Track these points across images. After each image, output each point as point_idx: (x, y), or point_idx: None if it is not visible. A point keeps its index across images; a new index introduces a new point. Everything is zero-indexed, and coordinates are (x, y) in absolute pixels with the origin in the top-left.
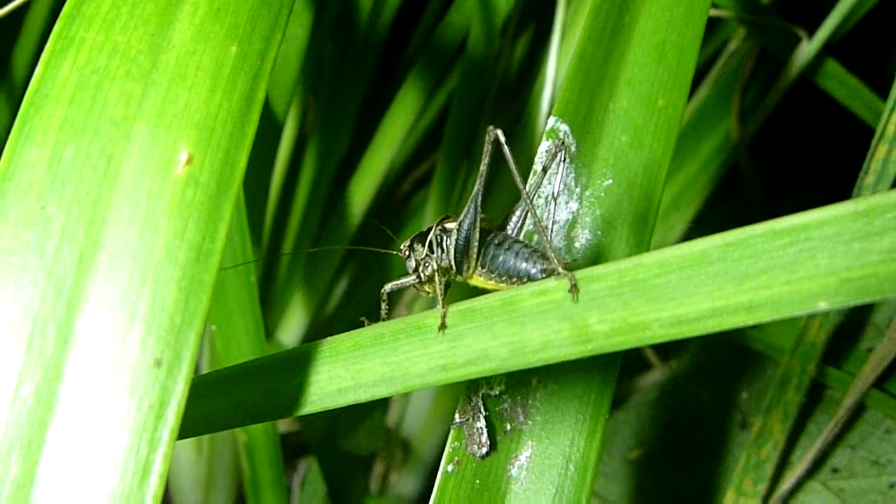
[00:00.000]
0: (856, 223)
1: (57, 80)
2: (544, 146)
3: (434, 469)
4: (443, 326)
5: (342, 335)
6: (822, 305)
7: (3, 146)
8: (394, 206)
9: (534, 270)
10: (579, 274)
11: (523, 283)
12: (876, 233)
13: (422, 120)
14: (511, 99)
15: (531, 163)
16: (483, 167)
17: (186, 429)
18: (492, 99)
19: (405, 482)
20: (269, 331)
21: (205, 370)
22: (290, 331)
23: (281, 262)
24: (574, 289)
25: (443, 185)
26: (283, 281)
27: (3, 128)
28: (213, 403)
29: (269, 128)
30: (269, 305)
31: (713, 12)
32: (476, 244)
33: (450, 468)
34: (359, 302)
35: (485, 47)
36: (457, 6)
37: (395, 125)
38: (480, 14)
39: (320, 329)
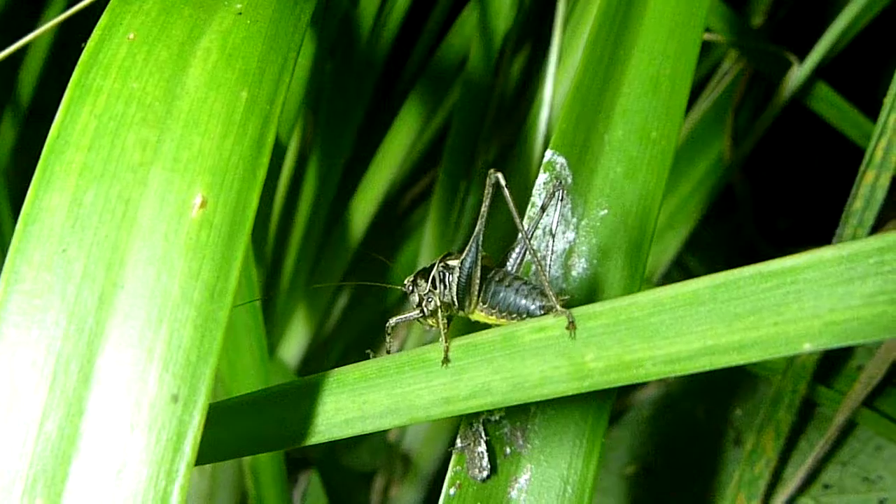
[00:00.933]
0: (839, 267)
1: (76, 126)
2: (541, 178)
3: (434, 483)
4: (446, 360)
5: (348, 367)
6: (807, 347)
7: (6, 165)
8: (394, 223)
9: (533, 307)
10: (576, 311)
11: (523, 319)
12: (859, 277)
13: (421, 138)
14: (509, 118)
15: (529, 184)
16: (484, 209)
17: (198, 457)
18: (490, 118)
19: (406, 496)
20: (272, 347)
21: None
22: (293, 347)
23: (282, 278)
24: (571, 326)
25: (442, 202)
26: (284, 300)
27: (7, 147)
28: (221, 432)
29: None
30: (272, 324)
31: (705, 36)
32: (477, 281)
33: (452, 491)
34: (357, 318)
35: (483, 68)
36: (456, 27)
37: (396, 144)
38: (479, 35)
39: (322, 345)
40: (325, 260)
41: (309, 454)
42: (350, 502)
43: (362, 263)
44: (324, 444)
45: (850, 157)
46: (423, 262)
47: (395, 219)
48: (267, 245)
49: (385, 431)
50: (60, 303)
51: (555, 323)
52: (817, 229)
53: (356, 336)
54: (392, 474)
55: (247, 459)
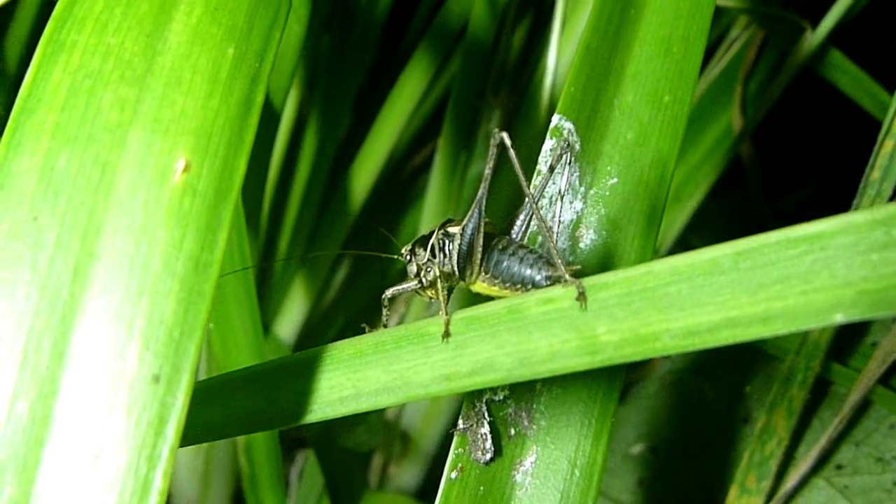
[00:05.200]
0: (874, 233)
1: (48, 85)
2: (548, 145)
3: (434, 462)
4: (446, 334)
5: (343, 342)
6: (839, 318)
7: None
8: (395, 193)
9: (538, 277)
10: (587, 281)
11: (528, 291)
12: (894, 243)
13: (422, 107)
14: (512, 86)
15: (533, 152)
16: (488, 171)
17: (185, 437)
18: (492, 85)
19: (404, 475)
20: (267, 323)
21: (203, 367)
22: (289, 323)
23: (278, 249)
24: (582, 297)
25: (443, 172)
26: (280, 272)
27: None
28: (211, 411)
29: (265, 117)
30: (267, 298)
31: (717, 2)
32: (480, 249)
33: (453, 475)
34: (357, 292)
35: (485, 32)
36: None
37: (396, 111)
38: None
39: (319, 320)
40: (323, 230)
41: (305, 433)
42: (348, 482)
43: (361, 235)
44: (320, 422)
45: (862, 127)
46: (423, 232)
47: (397, 188)
48: (262, 215)
49: (383, 409)
50: (31, 274)
51: (563, 294)
52: (829, 200)
53: (356, 310)
54: (390, 453)
55: (241, 438)
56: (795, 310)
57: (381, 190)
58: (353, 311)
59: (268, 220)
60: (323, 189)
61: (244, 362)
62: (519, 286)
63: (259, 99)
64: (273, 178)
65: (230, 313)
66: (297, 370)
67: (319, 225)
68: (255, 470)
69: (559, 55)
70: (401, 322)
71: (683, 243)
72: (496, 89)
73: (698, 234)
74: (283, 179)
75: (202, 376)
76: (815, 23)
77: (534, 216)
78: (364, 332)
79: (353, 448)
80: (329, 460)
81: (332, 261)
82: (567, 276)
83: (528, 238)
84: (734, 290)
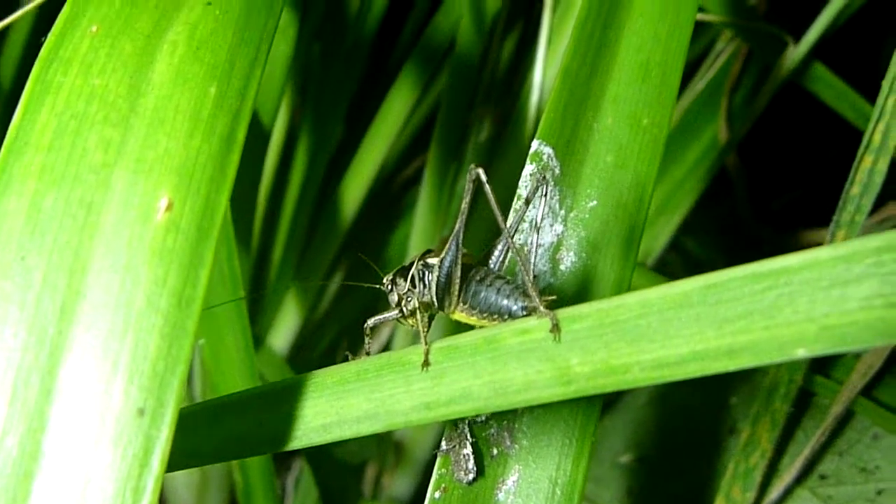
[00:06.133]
0: (835, 268)
1: (35, 126)
2: (528, 169)
3: (426, 472)
4: (426, 363)
5: (327, 369)
6: (801, 352)
7: None
8: (384, 208)
9: (515, 308)
10: (561, 313)
11: (504, 320)
12: (855, 279)
13: (411, 120)
14: (500, 99)
15: (518, 174)
16: (465, 206)
17: (172, 464)
18: (480, 99)
19: (397, 485)
20: (260, 336)
21: (196, 383)
22: (282, 335)
23: (271, 264)
24: (555, 328)
25: (433, 184)
26: (273, 284)
27: None
28: (197, 437)
29: (255, 136)
30: (260, 310)
31: (699, 16)
32: (458, 280)
33: (437, 495)
34: (350, 303)
35: (473, 48)
36: (444, 7)
37: (386, 126)
38: (468, 15)
39: (312, 331)
40: (315, 244)
41: None
42: (342, 493)
43: (351, 251)
44: None
45: (846, 139)
46: (412, 249)
47: (386, 203)
48: (254, 229)
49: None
50: (20, 313)
51: (538, 325)
52: (814, 212)
53: (348, 322)
54: (384, 464)
55: None
56: (759, 344)
57: (371, 202)
58: (345, 322)
59: (260, 234)
60: (314, 202)
61: (236, 378)
62: (496, 316)
63: (241, 136)
64: (265, 191)
65: (222, 330)
66: (281, 397)
67: (311, 238)
68: (250, 483)
69: (545, 70)
70: (386, 347)
71: (677, 249)
72: (485, 103)
73: (692, 239)
74: (275, 193)
75: (196, 392)
76: (797, 37)
77: (510, 249)
78: (347, 360)
79: (347, 459)
80: (323, 471)
81: (324, 275)
82: (542, 308)
83: (507, 267)
84: (701, 323)
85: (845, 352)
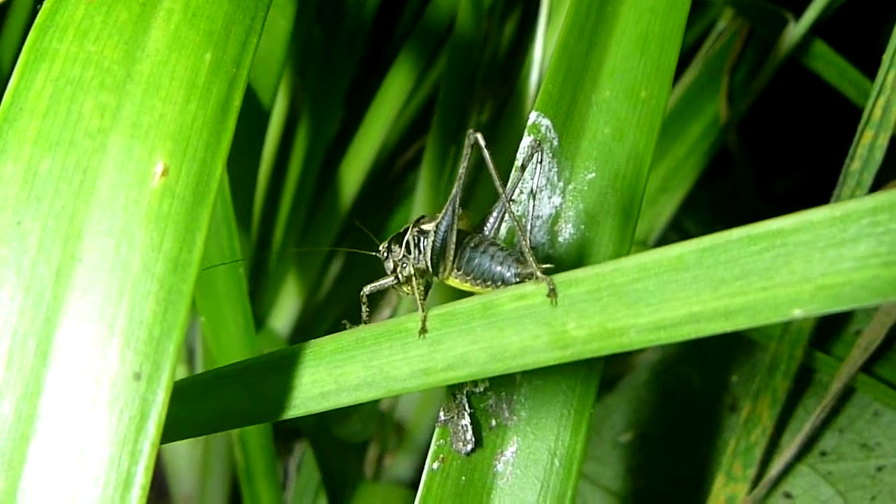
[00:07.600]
0: (831, 229)
1: (31, 92)
2: (526, 141)
3: (427, 452)
4: (423, 330)
5: (325, 338)
6: (798, 313)
7: None
8: (385, 190)
9: (508, 274)
10: (557, 278)
11: (499, 287)
12: (851, 239)
13: (411, 103)
14: (500, 81)
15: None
16: (462, 170)
17: (171, 433)
18: (480, 81)
19: (399, 465)
20: (262, 318)
21: (198, 361)
22: (283, 317)
23: (272, 245)
24: (552, 293)
25: (432, 166)
26: (274, 266)
27: None
28: (197, 407)
29: (255, 115)
30: (261, 292)
31: None
32: (453, 246)
33: (435, 466)
34: (352, 284)
35: (472, 29)
36: None
37: (385, 108)
38: None
39: (314, 313)
40: (315, 225)
41: (300, 425)
42: (343, 473)
43: (353, 230)
44: (314, 414)
45: (848, 116)
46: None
47: (387, 185)
48: (254, 211)
49: (377, 400)
50: (16, 277)
51: (535, 290)
52: (816, 189)
53: (350, 303)
54: (385, 444)
55: (235, 432)
56: (755, 305)
57: (372, 185)
58: (347, 302)
59: (261, 216)
60: (315, 184)
61: (237, 354)
62: (489, 282)
63: (236, 103)
64: (265, 173)
65: (222, 308)
66: (279, 366)
67: (311, 220)
68: (251, 462)
69: (545, 47)
70: (393, 315)
71: (677, 228)
72: (485, 84)
73: (692, 219)
74: (276, 175)
75: (199, 369)
76: (798, 14)
77: (506, 213)
78: (345, 329)
79: (348, 439)
80: (324, 452)
81: (326, 255)
82: (538, 273)
83: (506, 236)
84: (698, 286)
85: (841, 310)
